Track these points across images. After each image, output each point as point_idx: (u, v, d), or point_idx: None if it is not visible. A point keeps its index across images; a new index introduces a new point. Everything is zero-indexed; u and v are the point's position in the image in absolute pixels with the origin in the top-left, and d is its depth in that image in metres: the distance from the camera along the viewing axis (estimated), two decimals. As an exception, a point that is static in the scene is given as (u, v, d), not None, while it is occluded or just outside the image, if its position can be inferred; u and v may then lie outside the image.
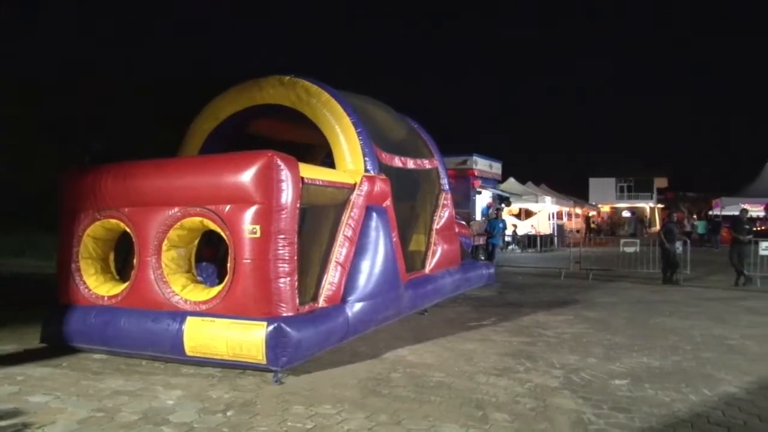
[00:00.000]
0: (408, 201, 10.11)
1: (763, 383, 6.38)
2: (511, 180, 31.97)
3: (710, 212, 41.57)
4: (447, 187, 11.43)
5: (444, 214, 10.94)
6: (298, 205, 6.54)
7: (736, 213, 17.70)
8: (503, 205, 25.09)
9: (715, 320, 10.04)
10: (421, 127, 11.82)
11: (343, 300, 7.43)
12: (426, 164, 10.83)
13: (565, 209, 36.66)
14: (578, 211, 42.53)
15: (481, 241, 19.61)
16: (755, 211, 37.21)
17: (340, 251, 7.57)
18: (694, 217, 43.75)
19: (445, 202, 11.11)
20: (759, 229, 31.30)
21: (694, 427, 5.09)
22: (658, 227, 43.56)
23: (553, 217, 32.57)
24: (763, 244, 15.58)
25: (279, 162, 6.33)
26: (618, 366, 7.01)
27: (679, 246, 15.85)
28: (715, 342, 8.34)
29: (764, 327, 9.50)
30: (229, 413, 5.30)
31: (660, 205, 63.42)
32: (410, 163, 10.11)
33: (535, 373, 6.64)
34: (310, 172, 6.99)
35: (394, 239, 8.51)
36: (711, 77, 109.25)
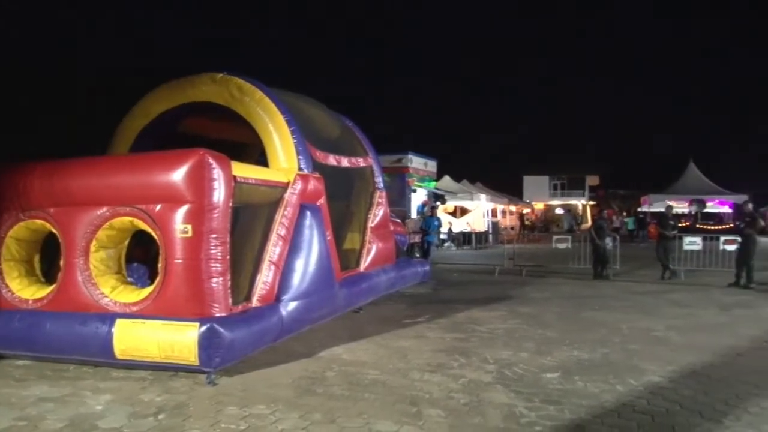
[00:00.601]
0: (342, 199, 10.11)
1: (685, 372, 6.65)
2: (447, 178, 32.29)
3: (639, 209, 43.02)
4: (382, 185, 11.47)
5: (379, 213, 10.98)
6: (230, 204, 6.47)
7: (662, 210, 18.33)
8: (438, 203, 25.32)
9: (642, 313, 10.39)
10: (356, 125, 11.83)
11: (277, 299, 7.38)
12: (360, 162, 10.84)
13: (499, 207, 37.23)
14: (513, 208, 43.24)
15: (417, 238, 19.76)
16: (680, 207, 38.67)
17: (274, 250, 7.52)
18: (624, 213, 45.17)
19: (380, 200, 11.16)
20: (684, 225, 32.44)
21: (620, 417, 5.28)
22: (589, 224, 44.70)
23: (487, 215, 33.01)
24: (687, 239, 16.23)
25: (211, 160, 6.25)
26: (549, 360, 7.18)
27: (609, 242, 16.32)
28: (642, 334, 8.64)
29: (687, 318, 9.90)
30: (160, 416, 5.21)
31: (592, 202, 65.18)
32: (345, 162, 10.11)
33: (469, 369, 6.75)
34: (243, 170, 6.92)
35: (329, 238, 8.50)
36: (643, 78, 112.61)
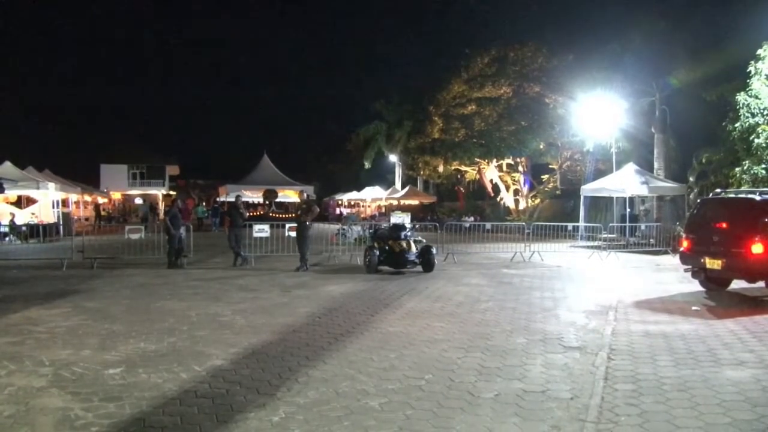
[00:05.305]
0: None
1: (246, 353, 7.04)
2: (8, 164, 28.96)
3: (218, 198, 44.55)
4: None
5: None
6: None
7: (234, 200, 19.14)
8: (-5, 193, 22.58)
9: (211, 300, 10.70)
10: None
11: None
12: None
13: (72, 196, 34.89)
14: (88, 198, 41.03)
15: (-32, 233, 17.38)
16: (254, 197, 41.02)
17: None
18: (203, 203, 46.39)
19: None
20: (255, 213, 34.40)
21: (182, 404, 5.33)
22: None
23: (57, 205, 30.61)
24: (257, 227, 17.26)
25: None
26: (113, 355, 6.93)
27: (182, 231, 16.43)
28: (209, 320, 8.89)
29: (251, 302, 10.52)
30: None
31: (172, 192, 65.11)
32: None
33: (19, 375, 6.13)
34: None
35: None
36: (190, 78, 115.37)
